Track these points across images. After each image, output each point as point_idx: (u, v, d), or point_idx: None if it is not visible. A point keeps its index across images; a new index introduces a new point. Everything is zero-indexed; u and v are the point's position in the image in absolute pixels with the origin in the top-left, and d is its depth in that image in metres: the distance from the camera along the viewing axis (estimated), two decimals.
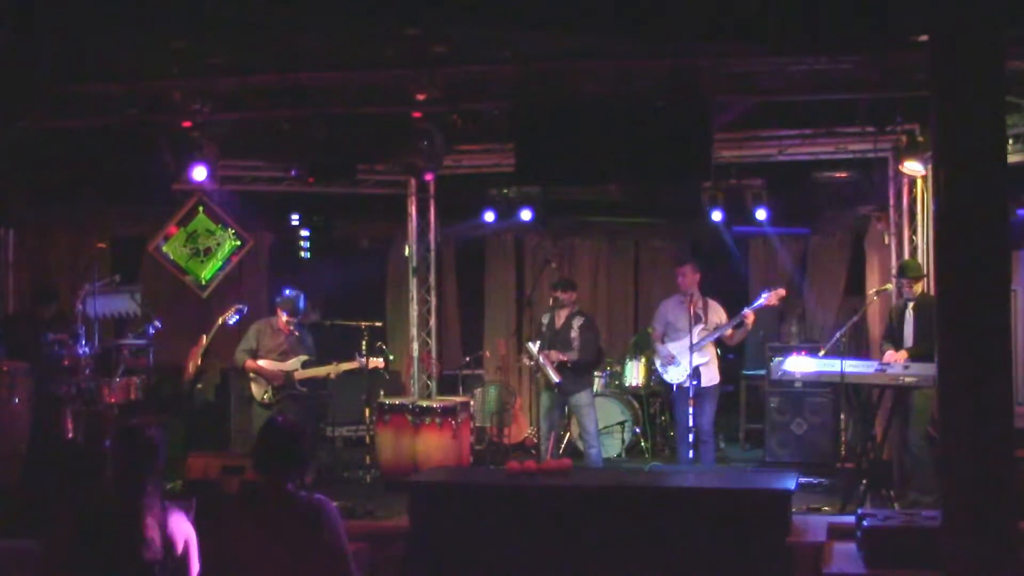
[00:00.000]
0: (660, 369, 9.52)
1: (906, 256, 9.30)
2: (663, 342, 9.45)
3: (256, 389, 9.03)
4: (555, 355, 9.23)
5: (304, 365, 9.05)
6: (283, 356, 9.06)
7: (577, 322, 9.41)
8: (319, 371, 9.08)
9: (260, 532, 4.36)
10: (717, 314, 9.29)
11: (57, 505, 6.46)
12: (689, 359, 8.99)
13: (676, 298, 9.46)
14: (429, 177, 10.50)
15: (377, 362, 9.19)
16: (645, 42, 7.82)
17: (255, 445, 4.61)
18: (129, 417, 9.17)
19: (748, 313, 9.11)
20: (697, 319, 9.15)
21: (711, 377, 9.21)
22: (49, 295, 9.06)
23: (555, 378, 9.21)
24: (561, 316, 9.44)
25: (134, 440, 4.36)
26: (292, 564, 4.31)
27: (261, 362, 9.00)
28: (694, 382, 8.99)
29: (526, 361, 9.74)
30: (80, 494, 4.65)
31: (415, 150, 9.14)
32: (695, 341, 9.03)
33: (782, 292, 9.35)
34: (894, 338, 8.48)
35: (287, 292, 9.20)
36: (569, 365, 9.25)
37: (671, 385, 9.37)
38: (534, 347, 9.34)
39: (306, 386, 9.08)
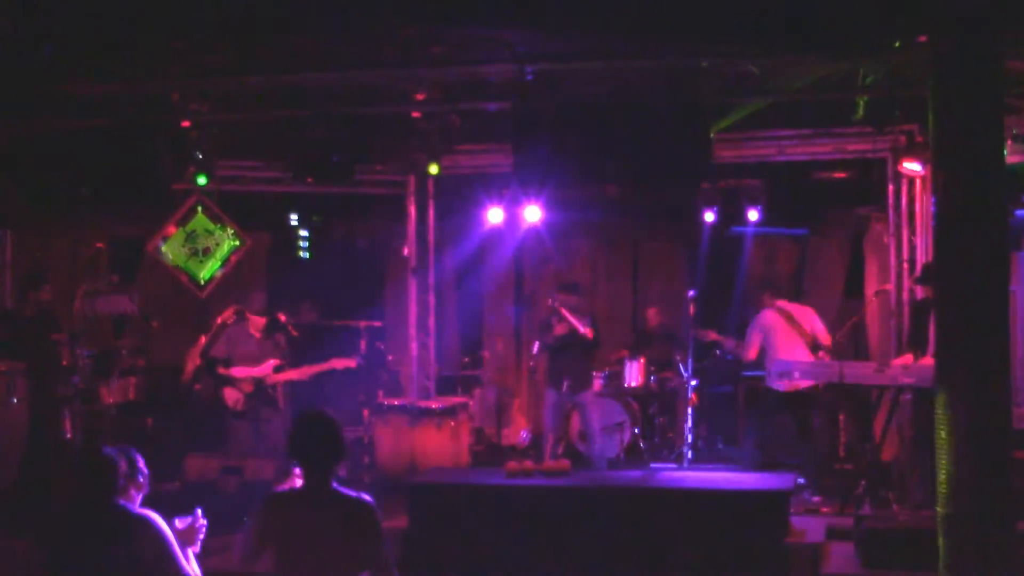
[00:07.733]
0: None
1: (904, 256, 9.30)
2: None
3: (229, 396, 8.97)
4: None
5: (276, 369, 9.01)
6: (254, 362, 8.97)
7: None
8: (291, 375, 9.06)
9: (301, 528, 4.25)
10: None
11: (55, 505, 6.46)
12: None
13: None
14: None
15: (348, 362, 9.17)
16: (645, 42, 7.81)
17: (292, 437, 4.37)
18: (126, 418, 9.21)
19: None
20: None
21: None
22: (38, 279, 8.99)
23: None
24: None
25: (94, 461, 4.38)
26: (328, 562, 4.21)
27: (233, 370, 8.94)
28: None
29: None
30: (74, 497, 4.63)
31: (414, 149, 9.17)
32: None
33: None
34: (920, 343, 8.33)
35: (250, 296, 9.28)
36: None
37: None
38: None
39: (277, 389, 9.06)
